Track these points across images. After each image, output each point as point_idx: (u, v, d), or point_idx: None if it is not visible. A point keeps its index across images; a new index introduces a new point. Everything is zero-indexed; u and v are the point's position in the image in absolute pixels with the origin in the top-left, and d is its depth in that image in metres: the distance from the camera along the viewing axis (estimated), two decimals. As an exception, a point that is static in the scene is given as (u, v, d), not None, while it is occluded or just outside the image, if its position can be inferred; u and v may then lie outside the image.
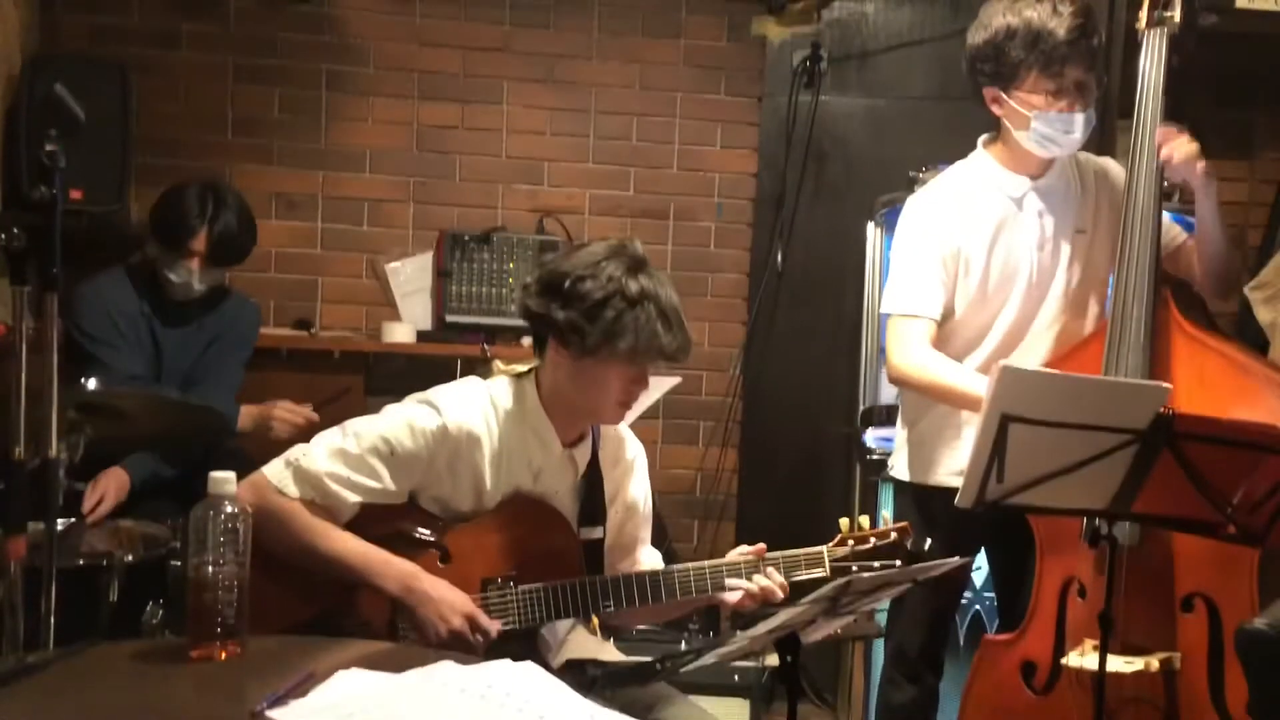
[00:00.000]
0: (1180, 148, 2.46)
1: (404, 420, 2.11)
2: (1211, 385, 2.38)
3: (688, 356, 2.16)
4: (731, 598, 2.19)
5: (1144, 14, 2.52)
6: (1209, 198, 2.53)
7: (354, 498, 2.09)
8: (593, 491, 2.27)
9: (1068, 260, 2.63)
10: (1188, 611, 2.37)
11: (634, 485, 2.36)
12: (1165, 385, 2.10)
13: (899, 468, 2.78)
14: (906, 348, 2.63)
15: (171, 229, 3.29)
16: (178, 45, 4.15)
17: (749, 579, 2.18)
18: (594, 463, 2.27)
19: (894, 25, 4.32)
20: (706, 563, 2.21)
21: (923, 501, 2.68)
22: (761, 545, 2.22)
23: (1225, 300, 2.71)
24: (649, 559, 2.40)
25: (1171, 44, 2.49)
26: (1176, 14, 2.48)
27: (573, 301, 2.09)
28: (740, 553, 2.23)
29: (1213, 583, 2.35)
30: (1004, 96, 2.56)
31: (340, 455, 2.08)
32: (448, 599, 2.08)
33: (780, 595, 2.16)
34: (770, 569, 2.18)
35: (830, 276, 4.30)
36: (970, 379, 2.52)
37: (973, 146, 2.75)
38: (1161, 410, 2.05)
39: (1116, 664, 2.35)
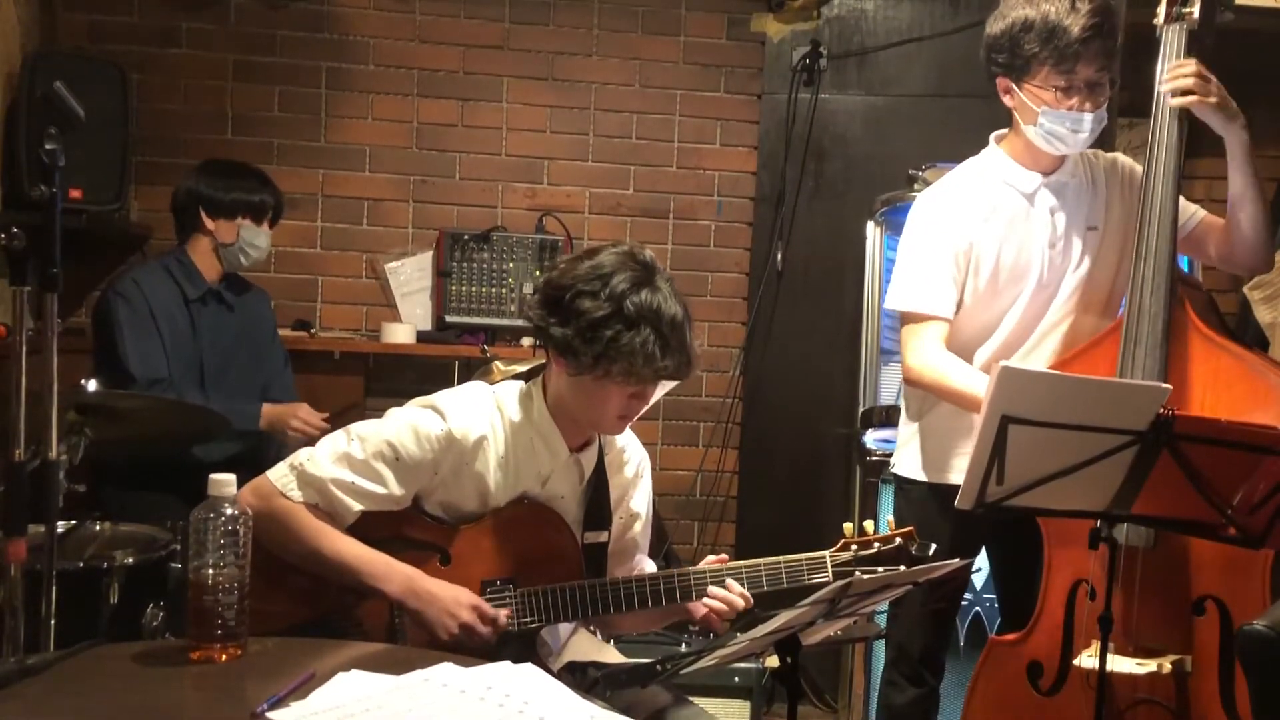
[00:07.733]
0: (1179, 80, 2.40)
1: (409, 425, 2.09)
2: (1227, 387, 2.35)
3: (691, 374, 2.11)
4: (698, 610, 2.17)
5: (1162, 10, 2.48)
6: (1235, 143, 2.48)
7: (358, 505, 2.08)
8: (598, 496, 2.26)
9: (1078, 257, 2.61)
10: (1199, 614, 2.36)
11: (638, 492, 2.35)
12: (1165, 386, 2.09)
13: (903, 465, 2.77)
14: (919, 348, 2.62)
15: (256, 198, 3.45)
16: (177, 43, 4.15)
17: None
18: (599, 467, 2.26)
19: (894, 22, 4.32)
20: (707, 568, 2.18)
21: (928, 499, 2.67)
22: (724, 556, 2.21)
23: (1262, 270, 2.64)
24: (646, 567, 2.39)
25: (1189, 40, 2.46)
26: (1195, 10, 2.44)
27: (570, 319, 2.05)
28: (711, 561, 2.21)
29: (1225, 585, 2.34)
30: (1015, 88, 2.55)
31: (345, 460, 2.07)
32: (451, 595, 2.07)
33: (743, 605, 2.14)
34: (731, 580, 2.15)
35: (830, 275, 4.31)
36: (980, 383, 2.48)
37: (972, 144, 2.74)
38: (1161, 411, 2.04)
39: (1128, 665, 2.35)
